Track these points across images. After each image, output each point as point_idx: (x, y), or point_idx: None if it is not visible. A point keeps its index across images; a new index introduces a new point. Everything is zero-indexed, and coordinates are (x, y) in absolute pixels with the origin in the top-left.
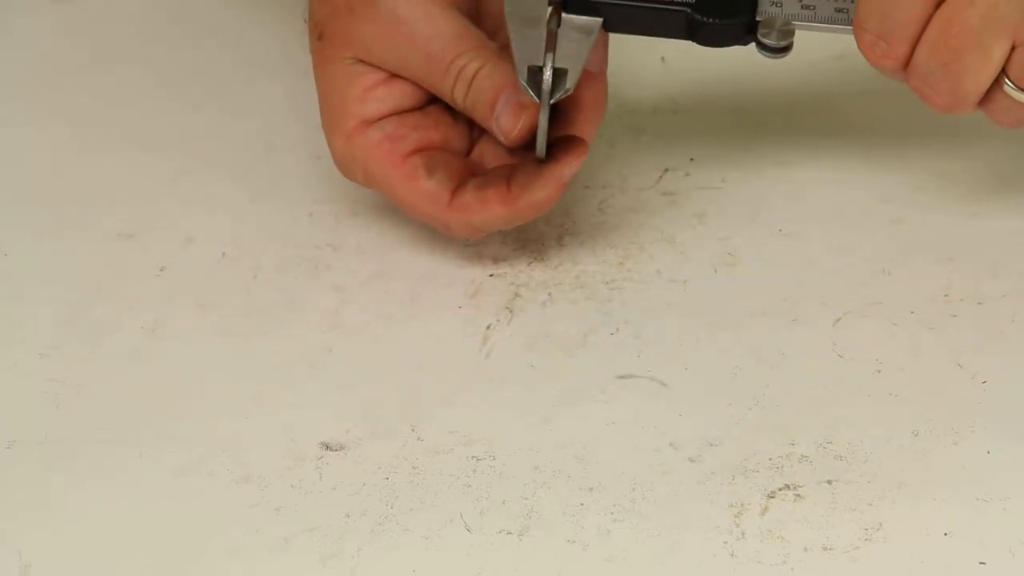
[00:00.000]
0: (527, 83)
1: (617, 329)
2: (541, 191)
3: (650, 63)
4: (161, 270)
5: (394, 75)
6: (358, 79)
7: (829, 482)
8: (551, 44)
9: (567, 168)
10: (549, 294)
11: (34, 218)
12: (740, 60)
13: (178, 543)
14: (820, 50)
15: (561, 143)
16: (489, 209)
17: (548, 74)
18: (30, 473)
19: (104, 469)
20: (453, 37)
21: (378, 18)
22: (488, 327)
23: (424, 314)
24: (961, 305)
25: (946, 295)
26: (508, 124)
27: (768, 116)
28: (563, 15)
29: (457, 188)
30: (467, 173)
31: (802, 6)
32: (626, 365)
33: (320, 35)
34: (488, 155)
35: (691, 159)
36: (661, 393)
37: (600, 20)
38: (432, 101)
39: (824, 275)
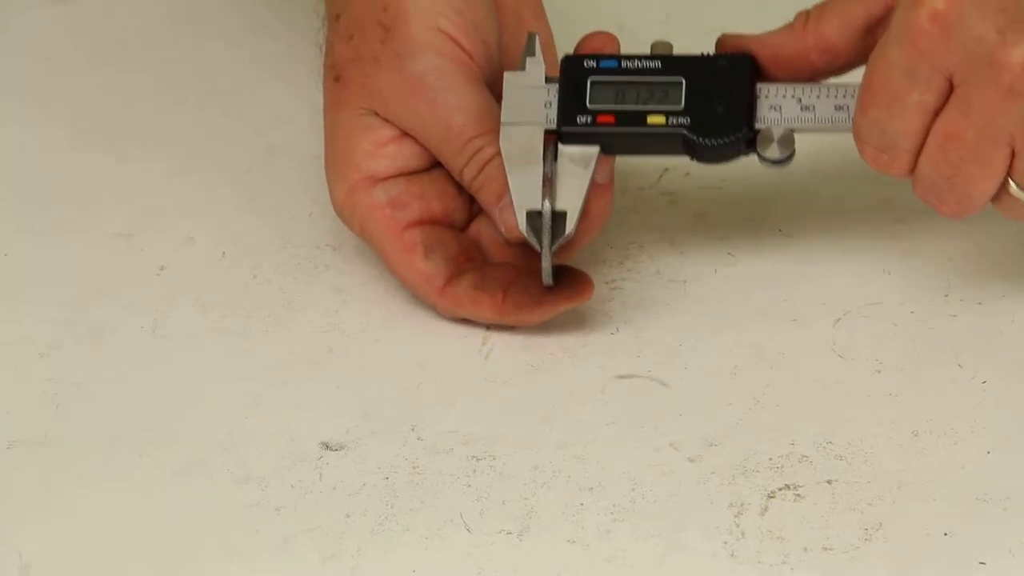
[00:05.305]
0: (527, 230)
1: (617, 329)
2: (533, 316)
3: None
4: (161, 270)
5: (406, 133)
6: (370, 132)
7: (829, 482)
8: (549, 183)
9: (567, 305)
10: None
11: (34, 218)
12: None
13: (178, 543)
14: None
15: (569, 278)
16: (479, 311)
17: (548, 223)
18: (30, 473)
19: (104, 469)
20: (476, 114)
21: (403, 74)
22: (488, 327)
23: (424, 314)
24: (961, 305)
25: (946, 295)
26: (510, 221)
27: None
28: (560, 146)
29: (452, 275)
30: (464, 256)
31: (801, 107)
32: (626, 365)
33: (337, 77)
34: (485, 234)
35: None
36: (661, 393)
37: (597, 149)
38: (439, 164)
39: (824, 275)
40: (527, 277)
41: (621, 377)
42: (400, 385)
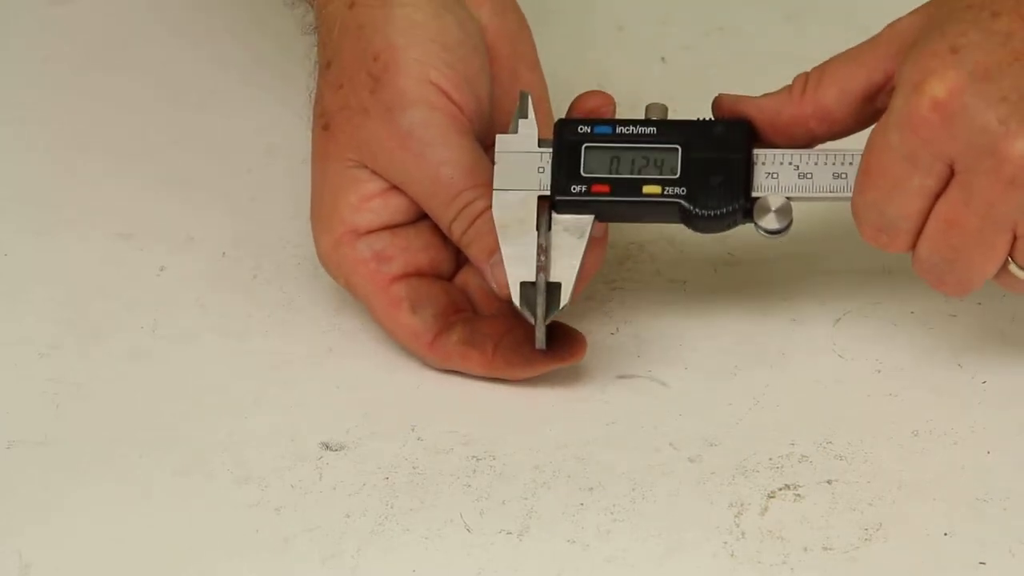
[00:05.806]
0: (520, 303)
1: (617, 329)
2: (523, 374)
3: (650, 62)
4: (161, 270)
5: (393, 186)
6: (357, 185)
7: (829, 482)
8: (543, 254)
9: (559, 365)
10: None
11: (34, 218)
12: (740, 61)
13: (178, 543)
14: None
15: (563, 337)
16: (468, 366)
17: (543, 295)
18: (30, 473)
19: (104, 469)
20: (466, 168)
21: (392, 126)
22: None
23: None
24: (961, 305)
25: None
26: (502, 278)
27: None
28: (553, 215)
29: (441, 330)
30: (452, 309)
31: (799, 175)
32: (626, 365)
33: (326, 126)
34: (473, 284)
35: None
36: (661, 393)
37: (591, 217)
38: (424, 216)
39: (824, 275)
40: (518, 331)
41: (621, 377)
42: (400, 385)
